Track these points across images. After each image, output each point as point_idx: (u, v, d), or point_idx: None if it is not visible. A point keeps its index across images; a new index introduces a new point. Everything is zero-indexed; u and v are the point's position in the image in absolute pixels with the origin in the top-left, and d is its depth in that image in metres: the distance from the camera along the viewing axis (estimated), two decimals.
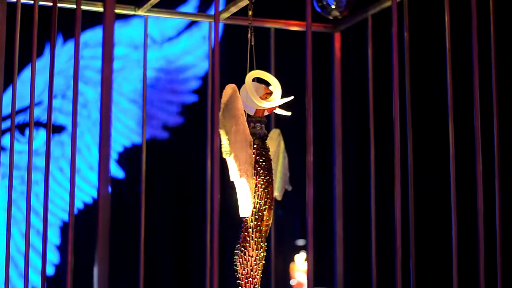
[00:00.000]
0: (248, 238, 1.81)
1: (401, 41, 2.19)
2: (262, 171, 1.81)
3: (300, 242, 3.85)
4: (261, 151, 1.82)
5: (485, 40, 1.94)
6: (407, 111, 2.17)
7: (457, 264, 1.86)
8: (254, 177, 1.81)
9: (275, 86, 1.81)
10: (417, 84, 3.13)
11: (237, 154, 1.74)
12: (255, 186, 1.81)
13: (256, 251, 1.80)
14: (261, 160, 1.81)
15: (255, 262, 1.80)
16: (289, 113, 1.89)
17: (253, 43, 1.90)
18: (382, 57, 2.63)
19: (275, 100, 1.81)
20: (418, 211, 2.19)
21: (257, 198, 1.81)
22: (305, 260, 3.59)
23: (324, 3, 2.34)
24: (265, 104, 1.80)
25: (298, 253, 3.77)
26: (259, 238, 1.81)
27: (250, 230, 1.81)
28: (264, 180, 1.81)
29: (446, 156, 1.95)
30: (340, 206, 2.50)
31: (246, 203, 1.81)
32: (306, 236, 1.30)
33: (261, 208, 1.81)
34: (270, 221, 1.83)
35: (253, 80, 1.83)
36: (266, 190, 1.81)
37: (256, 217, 1.81)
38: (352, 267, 3.57)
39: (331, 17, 2.37)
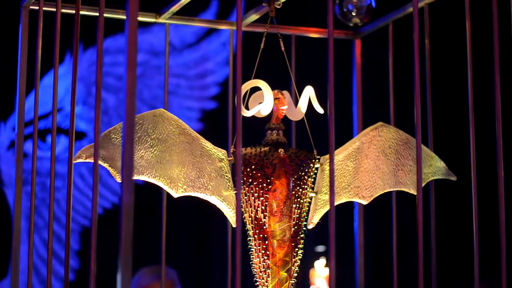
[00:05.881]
0: (249, 247, 1.81)
1: (422, 47, 2.19)
2: (251, 180, 1.78)
3: (320, 248, 3.84)
4: (255, 159, 1.79)
5: (506, 47, 1.93)
6: (428, 118, 2.16)
7: (478, 274, 1.86)
8: (230, 189, 1.81)
9: (265, 91, 1.79)
10: (438, 91, 3.12)
11: (167, 174, 1.77)
12: (245, 196, 1.79)
13: (258, 259, 1.79)
14: (248, 169, 1.78)
15: (259, 270, 1.79)
16: (322, 111, 1.85)
17: (283, 49, 1.90)
18: (402, 63, 2.63)
19: (261, 106, 1.79)
20: (439, 218, 2.19)
21: (252, 207, 1.79)
22: (325, 266, 3.58)
23: (345, 10, 2.34)
24: (246, 113, 1.80)
25: (318, 259, 3.76)
26: (259, 246, 1.80)
27: (251, 238, 1.80)
28: (259, 188, 1.78)
29: (467, 163, 1.94)
30: (361, 212, 2.49)
31: (228, 214, 1.82)
32: (327, 242, 1.30)
33: (258, 216, 1.79)
34: (283, 228, 1.79)
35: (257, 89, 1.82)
36: (264, 198, 1.78)
37: (253, 225, 1.79)
38: (373, 273, 3.56)
39: (351, 24, 2.37)
